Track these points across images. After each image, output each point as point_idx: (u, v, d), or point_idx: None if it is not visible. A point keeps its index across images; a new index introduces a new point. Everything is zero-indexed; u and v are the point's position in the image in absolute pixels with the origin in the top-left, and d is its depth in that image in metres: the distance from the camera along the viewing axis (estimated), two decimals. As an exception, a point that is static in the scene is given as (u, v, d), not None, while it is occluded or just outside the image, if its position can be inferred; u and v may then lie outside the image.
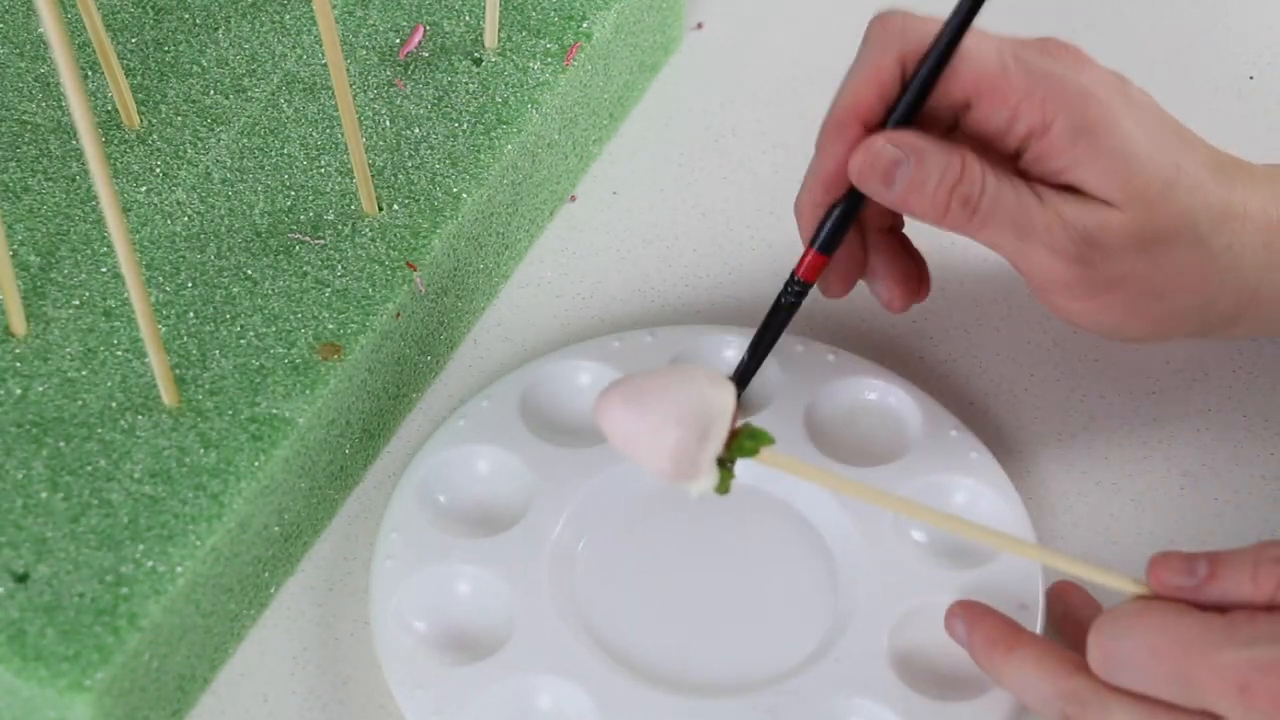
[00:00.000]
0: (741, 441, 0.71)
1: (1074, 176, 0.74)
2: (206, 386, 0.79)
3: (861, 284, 0.81)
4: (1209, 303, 0.76)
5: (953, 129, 0.76)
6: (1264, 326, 0.79)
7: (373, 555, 0.78)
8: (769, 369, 0.83)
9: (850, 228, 0.77)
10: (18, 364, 0.80)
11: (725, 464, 0.71)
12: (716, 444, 0.70)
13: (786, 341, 0.84)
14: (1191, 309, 0.76)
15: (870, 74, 0.75)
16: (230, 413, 0.78)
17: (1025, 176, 0.75)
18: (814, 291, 0.79)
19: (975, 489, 0.80)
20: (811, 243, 0.77)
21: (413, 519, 0.79)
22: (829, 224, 0.77)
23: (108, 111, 0.87)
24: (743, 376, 0.78)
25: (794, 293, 0.78)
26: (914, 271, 0.80)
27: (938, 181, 0.74)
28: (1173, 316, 0.77)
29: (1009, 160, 0.75)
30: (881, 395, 0.83)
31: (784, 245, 0.90)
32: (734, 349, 0.84)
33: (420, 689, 0.74)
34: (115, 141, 0.86)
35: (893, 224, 0.81)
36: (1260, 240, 0.76)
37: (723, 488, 0.71)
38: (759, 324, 0.78)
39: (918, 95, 0.74)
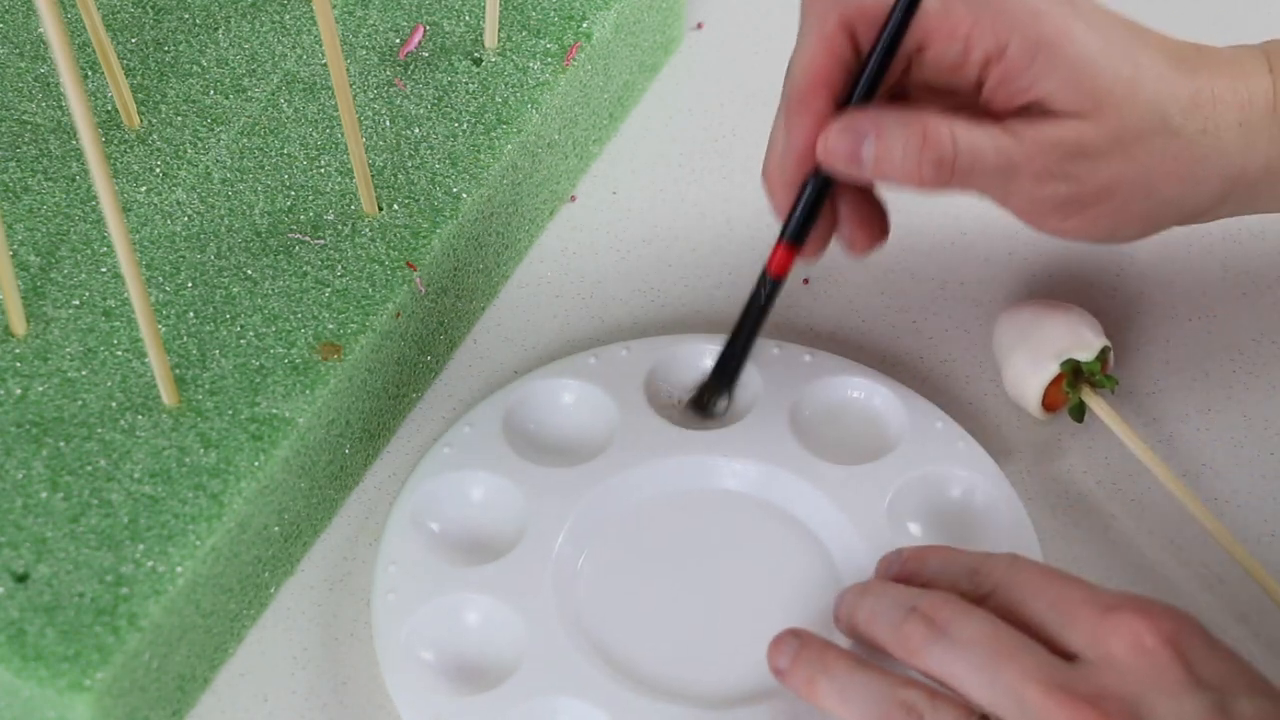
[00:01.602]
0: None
1: (1038, 92, 0.74)
2: (206, 386, 0.79)
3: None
4: (1195, 189, 0.77)
5: (905, 73, 0.77)
6: (1249, 205, 0.79)
7: (372, 590, 0.78)
8: (749, 373, 0.83)
9: (819, 212, 0.78)
10: (18, 364, 0.80)
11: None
12: None
13: (763, 345, 0.84)
14: (1180, 198, 0.77)
15: (819, 43, 0.76)
16: (230, 413, 0.78)
17: (990, 108, 0.76)
18: (786, 289, 0.79)
19: (969, 480, 0.80)
20: (783, 235, 0.78)
21: (409, 550, 0.78)
22: (798, 215, 0.78)
23: (108, 111, 0.87)
24: (726, 377, 0.80)
25: (767, 291, 0.79)
26: (877, 216, 0.80)
27: (903, 151, 0.75)
28: (1163, 210, 0.78)
29: (972, 95, 0.76)
30: (864, 392, 0.83)
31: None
32: (712, 357, 0.84)
33: None
34: (115, 141, 0.86)
35: None
36: (1234, 119, 0.76)
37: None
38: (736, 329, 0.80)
39: (877, 68, 0.75)
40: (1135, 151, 0.75)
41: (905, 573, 0.74)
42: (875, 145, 0.75)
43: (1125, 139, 0.75)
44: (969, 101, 0.76)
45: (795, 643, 0.73)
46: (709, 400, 0.82)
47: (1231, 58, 0.78)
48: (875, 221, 0.80)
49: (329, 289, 0.82)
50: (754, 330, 0.80)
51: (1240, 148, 0.77)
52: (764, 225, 0.91)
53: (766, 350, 0.84)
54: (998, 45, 0.74)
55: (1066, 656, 0.68)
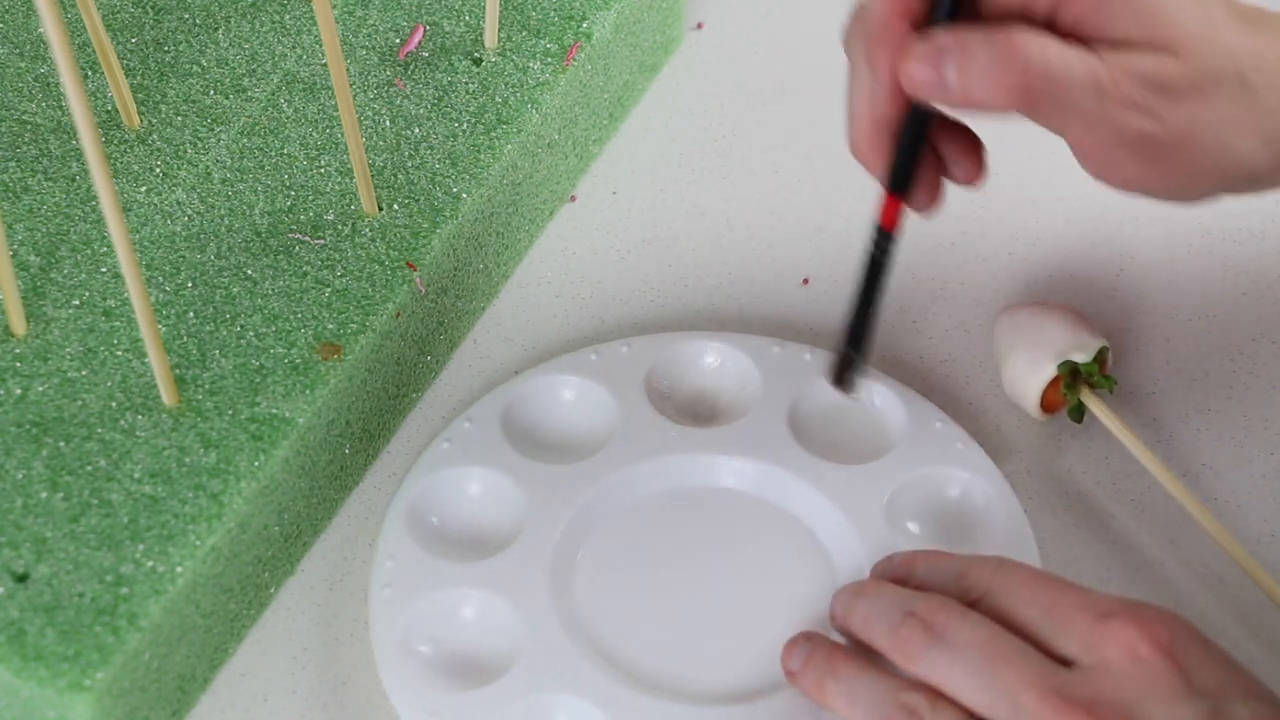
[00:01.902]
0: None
1: (1116, 31, 0.72)
2: (206, 386, 0.79)
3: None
4: (1268, 143, 0.74)
5: (975, 3, 0.74)
6: None
7: (369, 585, 0.78)
8: (749, 372, 0.83)
9: (922, 155, 0.74)
10: (18, 364, 0.80)
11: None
12: None
13: (763, 343, 0.84)
14: (1253, 153, 0.74)
15: None
16: (230, 413, 0.78)
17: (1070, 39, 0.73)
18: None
19: (967, 480, 0.80)
20: (890, 185, 0.74)
21: (406, 546, 0.79)
22: (901, 160, 0.74)
23: (108, 111, 0.87)
24: (859, 343, 0.77)
25: (883, 246, 0.75)
26: (976, 139, 0.77)
27: (990, 66, 0.71)
28: (1235, 166, 0.74)
29: (1045, 30, 0.73)
30: (864, 391, 0.83)
31: (784, 245, 0.90)
32: (712, 355, 0.84)
33: (433, 716, 0.74)
34: (115, 141, 0.86)
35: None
36: None
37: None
38: (855, 309, 0.77)
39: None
40: (1213, 97, 0.73)
41: (896, 579, 0.75)
42: (960, 63, 0.71)
43: (1203, 82, 0.72)
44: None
45: (807, 645, 0.73)
46: (847, 371, 0.79)
47: None
48: (978, 146, 0.76)
49: (329, 289, 0.82)
50: (877, 289, 0.77)
51: None
52: (764, 225, 0.91)
53: (767, 348, 0.84)
54: None
55: (1061, 662, 0.68)
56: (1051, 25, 0.73)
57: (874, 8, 0.73)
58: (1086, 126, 0.73)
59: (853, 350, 0.78)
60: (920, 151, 0.74)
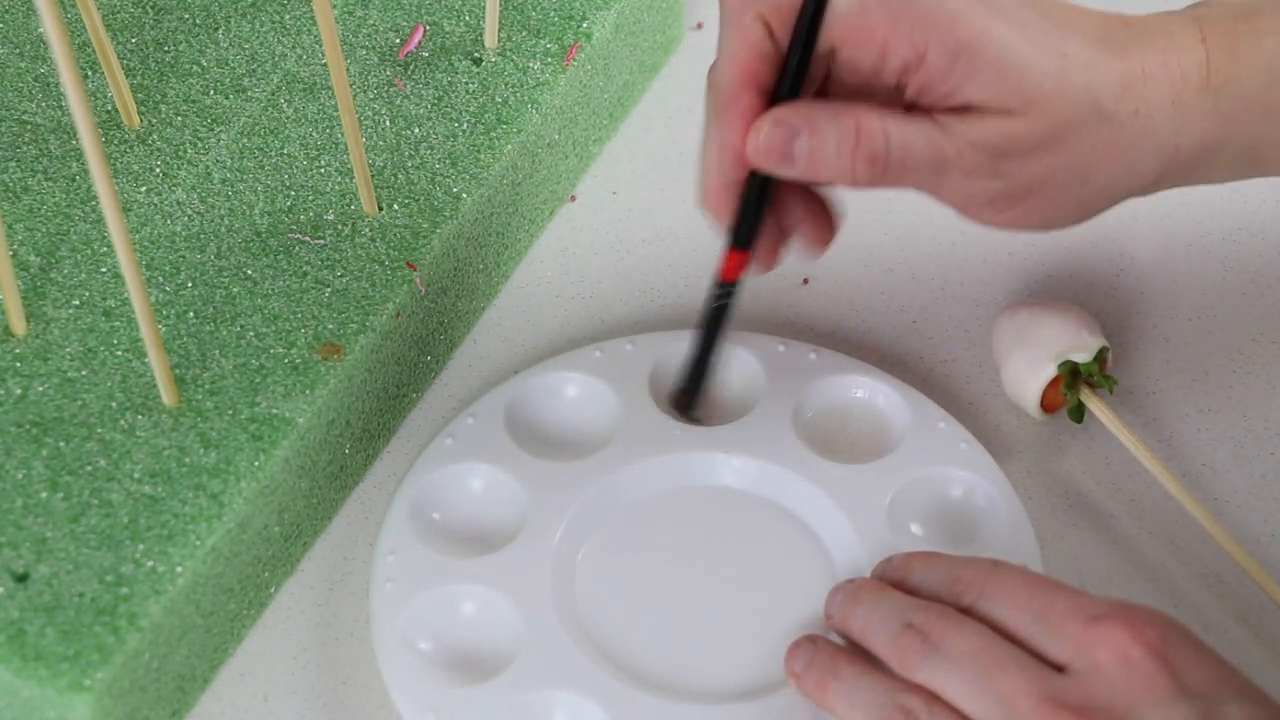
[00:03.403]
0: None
1: (963, 97, 0.73)
2: (206, 386, 0.79)
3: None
4: (1131, 171, 0.76)
5: (826, 78, 0.75)
6: (1188, 178, 0.78)
7: (370, 580, 0.78)
8: (753, 370, 0.83)
9: (764, 214, 0.76)
10: (18, 364, 0.80)
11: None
12: None
13: (768, 342, 0.84)
14: (1115, 181, 0.76)
15: (739, 39, 0.74)
16: (230, 413, 0.78)
17: (918, 103, 0.74)
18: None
19: (969, 481, 0.80)
20: (731, 241, 0.76)
21: (408, 540, 0.79)
22: (744, 218, 0.76)
23: (108, 111, 0.87)
24: (692, 390, 0.80)
25: (721, 297, 0.77)
26: (825, 211, 0.78)
27: (836, 147, 0.73)
28: (1100, 194, 0.76)
29: (891, 98, 0.74)
30: (867, 391, 0.83)
31: (784, 245, 0.90)
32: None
33: (432, 711, 0.74)
34: (115, 141, 0.86)
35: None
36: (1167, 96, 0.75)
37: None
38: (708, 329, 0.79)
39: (798, 62, 0.74)
40: (1068, 143, 0.74)
41: (892, 581, 0.75)
42: (808, 142, 0.73)
43: (1057, 131, 0.74)
44: (889, 102, 0.75)
45: (810, 648, 0.73)
46: (685, 403, 0.81)
47: (1162, 29, 0.76)
48: (825, 217, 0.78)
49: (329, 289, 0.82)
50: (713, 335, 0.79)
51: (1174, 125, 0.75)
52: (764, 225, 0.91)
53: (772, 347, 0.84)
54: (915, 53, 0.73)
55: (1055, 667, 0.68)
56: (900, 93, 0.74)
57: (722, 70, 0.75)
58: (937, 191, 0.75)
59: (690, 386, 0.80)
60: (762, 212, 0.76)
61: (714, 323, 0.78)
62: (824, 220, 0.78)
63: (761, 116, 0.74)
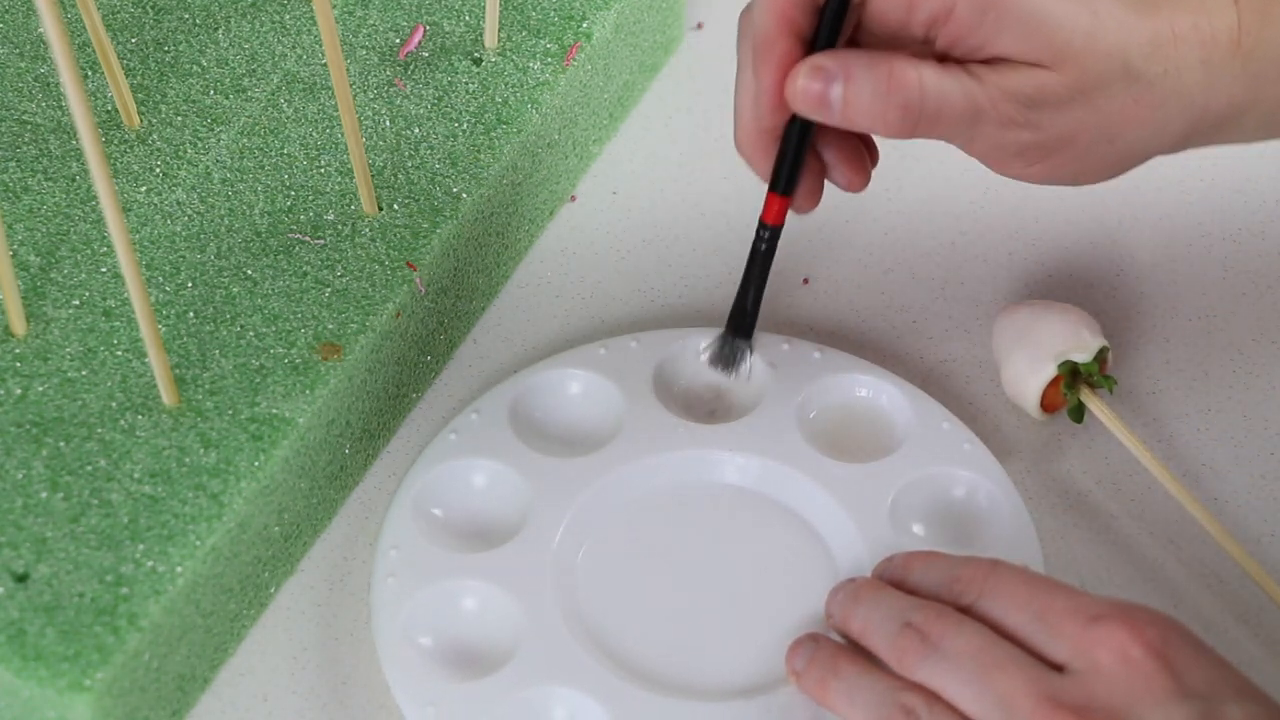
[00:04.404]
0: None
1: (994, 49, 0.74)
2: (206, 386, 0.79)
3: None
4: (1159, 131, 0.76)
5: (856, 29, 0.76)
6: (1215, 138, 0.78)
7: (372, 574, 0.78)
8: (758, 369, 0.83)
9: (805, 159, 0.77)
10: (18, 364, 0.80)
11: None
12: None
13: (772, 341, 0.84)
14: (1143, 141, 0.76)
15: (779, 5, 0.75)
16: (230, 413, 0.78)
17: (950, 55, 0.75)
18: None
19: (972, 481, 0.80)
20: (772, 186, 0.78)
21: (410, 535, 0.79)
22: (784, 163, 0.77)
23: (108, 111, 0.87)
24: (744, 328, 0.81)
25: (765, 239, 0.79)
26: (860, 148, 0.80)
27: (871, 94, 0.74)
28: (1128, 153, 0.77)
29: (920, 51, 0.75)
30: (871, 390, 0.83)
31: (784, 245, 0.90)
32: None
33: (432, 706, 0.74)
34: (115, 141, 0.86)
35: None
36: (1196, 57, 0.75)
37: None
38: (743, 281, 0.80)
39: (838, 7, 0.75)
40: (1097, 99, 0.74)
41: (892, 580, 0.75)
42: (844, 88, 0.74)
43: (1087, 88, 0.74)
44: (919, 54, 0.75)
45: (811, 646, 0.73)
46: (729, 353, 0.82)
47: None
48: (859, 155, 0.79)
49: (329, 289, 0.82)
50: (760, 278, 0.80)
51: (1203, 86, 0.75)
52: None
53: (776, 346, 0.84)
54: (944, 6, 0.73)
55: (1054, 667, 0.68)
56: (930, 44, 0.75)
57: (760, 19, 0.76)
58: (969, 143, 0.75)
59: (737, 334, 0.81)
60: (802, 156, 0.77)
61: (758, 264, 0.80)
62: (859, 158, 0.79)
63: (799, 63, 0.75)
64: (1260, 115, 0.77)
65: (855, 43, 0.77)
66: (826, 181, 0.80)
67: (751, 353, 0.82)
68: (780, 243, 0.90)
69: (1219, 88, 0.75)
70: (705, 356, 0.83)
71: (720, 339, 0.82)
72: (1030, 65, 0.74)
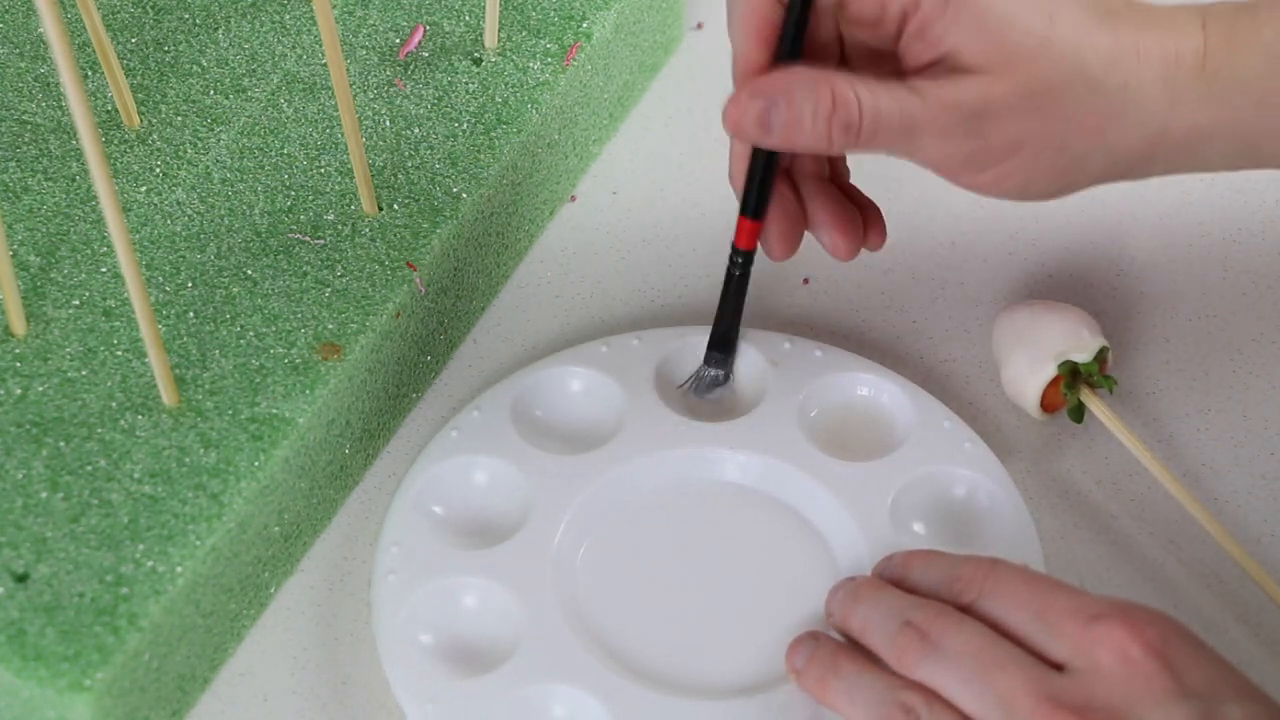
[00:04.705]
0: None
1: (947, 45, 0.73)
2: (206, 386, 0.79)
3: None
4: (1113, 144, 0.76)
5: (841, 43, 0.77)
6: (1181, 164, 0.77)
7: (373, 571, 0.78)
8: (758, 367, 0.83)
9: (772, 185, 0.78)
10: (18, 364, 0.80)
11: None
12: None
13: (774, 339, 0.84)
14: (1093, 154, 0.76)
15: (750, 16, 0.75)
16: (230, 413, 0.78)
17: (904, 62, 0.75)
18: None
19: (973, 480, 0.80)
20: (742, 209, 0.79)
21: (411, 532, 0.79)
22: (751, 188, 0.78)
23: (108, 111, 0.87)
24: (723, 355, 0.82)
25: (739, 263, 0.80)
26: (857, 217, 0.80)
27: (812, 116, 0.74)
28: (1077, 165, 0.76)
29: (890, 46, 0.75)
30: (872, 389, 0.83)
31: (784, 245, 0.90)
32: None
33: (431, 703, 0.74)
34: (115, 141, 0.86)
35: (823, 172, 0.81)
36: (1158, 75, 0.74)
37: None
38: (726, 308, 0.82)
39: (798, 20, 0.75)
40: (1046, 107, 0.74)
41: (892, 579, 0.75)
42: (785, 112, 0.74)
43: (1035, 94, 0.74)
44: (887, 62, 0.76)
45: (812, 644, 0.73)
46: (707, 378, 0.83)
47: (1164, 14, 0.76)
48: (851, 222, 0.80)
49: (329, 289, 0.82)
50: (736, 302, 0.81)
51: (1164, 105, 0.75)
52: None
53: (777, 344, 0.84)
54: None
55: (1054, 666, 0.68)
56: (899, 38, 0.75)
57: (736, 38, 0.76)
58: (911, 154, 0.75)
59: (717, 356, 0.83)
60: (769, 181, 0.78)
61: (732, 289, 0.81)
62: (849, 226, 0.80)
63: (738, 89, 0.75)
64: (1228, 141, 0.76)
65: (846, 61, 0.78)
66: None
67: (730, 378, 0.83)
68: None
69: (1181, 109, 0.75)
70: (685, 386, 0.83)
71: (699, 372, 0.83)
72: (976, 72, 0.73)
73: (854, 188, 0.82)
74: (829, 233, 0.80)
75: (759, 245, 0.80)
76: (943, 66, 0.74)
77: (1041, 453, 0.84)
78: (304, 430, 0.78)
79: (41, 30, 0.90)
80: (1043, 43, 0.73)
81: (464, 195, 0.85)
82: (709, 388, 0.83)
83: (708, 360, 0.83)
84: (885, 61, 0.76)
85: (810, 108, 0.73)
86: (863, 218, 0.81)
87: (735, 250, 0.80)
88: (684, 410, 0.83)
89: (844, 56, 0.78)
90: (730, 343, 0.83)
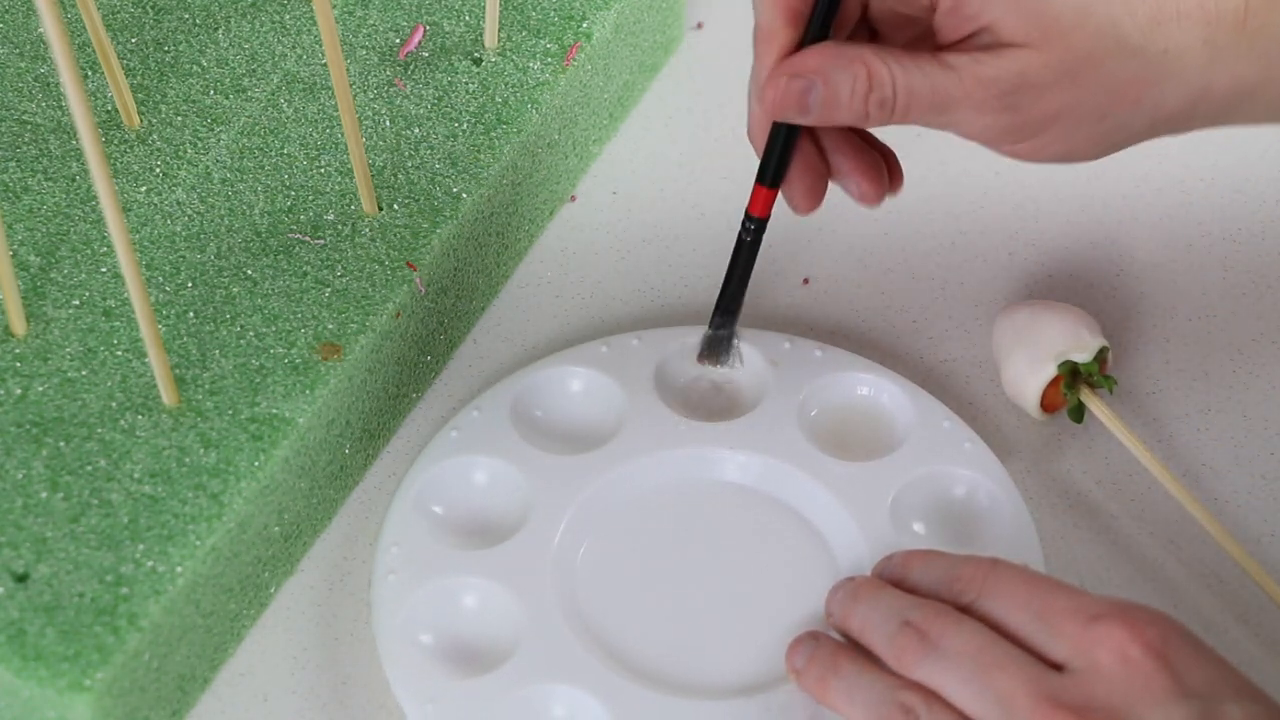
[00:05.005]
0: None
1: (985, 19, 0.73)
2: (206, 386, 0.79)
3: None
4: (1155, 109, 0.75)
5: (868, 13, 0.77)
6: (1222, 120, 0.77)
7: (373, 571, 0.78)
8: (758, 367, 0.83)
9: (793, 154, 0.78)
10: (18, 364, 0.80)
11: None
12: None
13: (774, 339, 0.84)
14: (1136, 119, 0.75)
15: None
16: (230, 413, 0.78)
17: (939, 35, 0.75)
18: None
19: (973, 480, 0.80)
20: (759, 177, 0.79)
21: (411, 532, 0.79)
22: (771, 157, 0.78)
23: (108, 111, 0.87)
24: (728, 318, 0.82)
25: (750, 229, 0.80)
26: (880, 163, 0.80)
27: (849, 94, 0.74)
28: (1120, 130, 0.76)
29: (922, 15, 0.75)
30: (872, 389, 0.83)
31: (784, 245, 0.90)
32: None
33: (431, 703, 0.74)
34: (115, 141, 0.86)
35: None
36: (1199, 36, 0.74)
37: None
38: (731, 278, 0.81)
39: (828, 7, 0.75)
40: (1085, 78, 0.74)
41: (892, 579, 0.75)
42: (823, 91, 0.74)
43: (1073, 67, 0.73)
44: (925, 40, 0.75)
45: (812, 644, 0.73)
46: (716, 346, 0.83)
47: None
48: (875, 167, 0.79)
49: (329, 289, 0.82)
50: (744, 268, 0.81)
51: (1204, 65, 0.74)
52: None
53: (777, 344, 0.84)
54: None
55: (1054, 666, 0.68)
56: (933, 13, 0.74)
57: (761, 8, 0.76)
58: (947, 127, 0.75)
59: (722, 325, 0.82)
60: (789, 150, 0.78)
61: (741, 255, 0.81)
62: (875, 169, 0.79)
63: (777, 68, 0.75)
64: (1271, 97, 0.76)
65: (875, 36, 0.77)
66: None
67: (739, 340, 0.82)
68: (780, 243, 0.90)
69: (1223, 67, 0.74)
70: (695, 355, 0.83)
71: (706, 335, 0.83)
72: (1012, 46, 0.73)
73: (870, 134, 0.81)
74: (855, 180, 0.79)
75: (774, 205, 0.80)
76: (978, 40, 0.74)
77: (1041, 453, 0.84)
78: (304, 430, 0.78)
79: (41, 30, 0.90)
80: (1081, 13, 0.73)
81: (464, 195, 0.85)
82: (718, 352, 0.83)
83: (712, 324, 0.83)
84: (911, 26, 0.76)
85: (848, 87, 0.74)
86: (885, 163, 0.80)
87: (748, 216, 0.80)
88: (684, 410, 0.83)
89: (867, 18, 0.78)
90: (734, 311, 0.82)
